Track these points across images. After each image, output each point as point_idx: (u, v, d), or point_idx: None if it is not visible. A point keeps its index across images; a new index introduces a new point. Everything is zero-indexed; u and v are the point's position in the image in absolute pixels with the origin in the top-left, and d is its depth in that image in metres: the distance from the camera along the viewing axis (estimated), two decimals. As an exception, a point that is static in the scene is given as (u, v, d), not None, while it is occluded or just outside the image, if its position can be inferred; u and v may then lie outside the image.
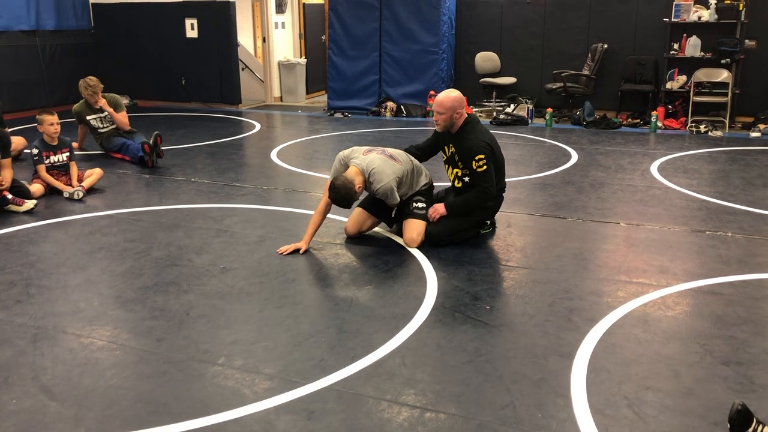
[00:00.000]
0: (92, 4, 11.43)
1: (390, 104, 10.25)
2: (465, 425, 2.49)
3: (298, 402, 2.64)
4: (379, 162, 4.31)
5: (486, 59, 10.34)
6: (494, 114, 9.56)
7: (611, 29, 9.69)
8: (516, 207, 5.30)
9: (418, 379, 2.80)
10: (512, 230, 4.76)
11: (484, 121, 9.61)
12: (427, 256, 4.19)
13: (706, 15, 8.92)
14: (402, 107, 10.20)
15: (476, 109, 10.24)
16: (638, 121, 9.20)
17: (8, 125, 7.60)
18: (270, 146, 7.86)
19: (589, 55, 9.77)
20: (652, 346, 3.08)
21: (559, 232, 4.73)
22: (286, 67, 12.07)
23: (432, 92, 10.02)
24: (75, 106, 7.19)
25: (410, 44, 10.13)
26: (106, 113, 7.06)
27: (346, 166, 4.40)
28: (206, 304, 3.52)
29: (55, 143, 5.83)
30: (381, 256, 4.25)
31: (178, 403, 2.64)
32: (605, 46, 9.60)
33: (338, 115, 10.37)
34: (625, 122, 9.23)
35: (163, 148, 7.01)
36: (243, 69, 12.07)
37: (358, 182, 4.22)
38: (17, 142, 6.94)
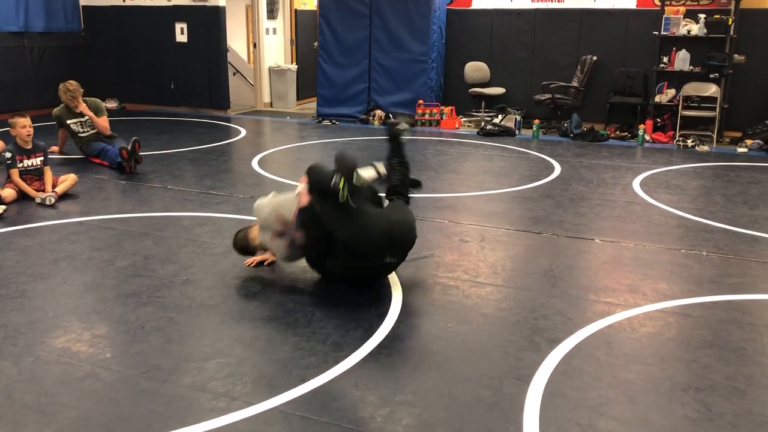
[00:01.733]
0: (82, 6, 11.38)
1: (378, 112, 10.20)
2: (410, 451, 2.42)
3: (242, 423, 2.57)
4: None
5: (475, 69, 10.30)
6: (482, 125, 9.51)
7: (601, 41, 9.66)
8: (492, 221, 5.24)
9: (368, 401, 2.74)
10: (485, 245, 4.70)
11: (472, 131, 9.57)
12: (395, 271, 4.12)
13: (696, 29, 8.89)
14: (390, 116, 10.14)
15: (464, 119, 10.20)
16: (626, 134, 9.16)
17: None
18: (253, 153, 7.80)
19: (579, 67, 9.73)
20: (611, 369, 3.02)
21: (532, 247, 4.67)
22: (276, 72, 12.03)
23: (421, 101, 9.98)
24: (55, 110, 7.13)
25: (400, 53, 10.09)
26: (86, 117, 7.00)
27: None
28: (163, 317, 3.46)
29: (29, 147, 5.76)
30: (349, 270, 4.19)
31: (119, 422, 2.57)
32: (594, 58, 9.56)
33: (326, 122, 10.32)
34: (612, 135, 9.19)
35: (144, 153, 6.96)
36: (234, 74, 12.03)
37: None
38: (-4, 145, 6.89)
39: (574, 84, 9.64)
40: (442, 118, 9.90)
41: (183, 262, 4.26)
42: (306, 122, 10.45)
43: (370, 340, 3.25)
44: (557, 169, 7.11)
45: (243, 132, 9.32)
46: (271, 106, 12.11)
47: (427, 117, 9.95)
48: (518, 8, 10.14)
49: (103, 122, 7.08)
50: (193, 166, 7.09)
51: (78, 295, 3.76)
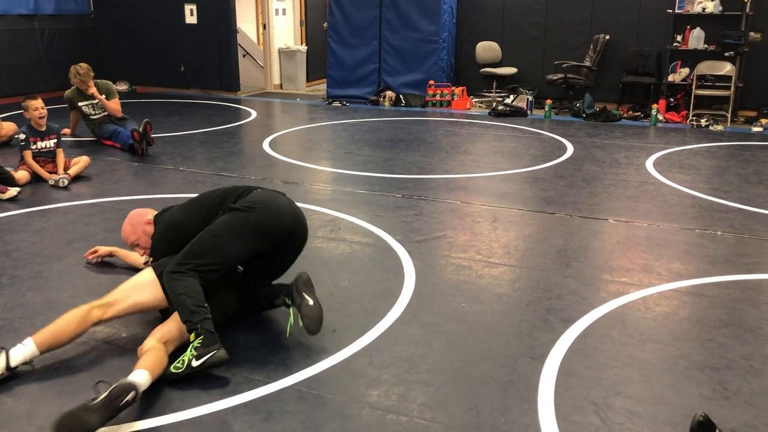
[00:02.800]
0: (92, -12, 11.37)
1: (389, 93, 10.15)
2: (425, 429, 2.43)
3: (257, 402, 2.58)
4: None
5: (487, 49, 10.21)
6: (493, 105, 9.45)
7: (614, 20, 9.54)
8: (504, 201, 5.22)
9: (383, 380, 2.75)
10: (498, 225, 4.69)
11: (483, 111, 9.52)
12: (408, 252, 4.12)
13: (711, 6, 8.76)
14: (401, 97, 10.10)
15: (475, 100, 10.13)
16: (639, 114, 9.08)
17: (4, 110, 7.55)
18: (264, 135, 7.80)
19: (591, 46, 9.63)
20: (626, 349, 3.01)
21: (545, 228, 4.65)
22: (286, 54, 11.98)
23: (431, 81, 9.92)
24: (67, 92, 7.13)
25: (410, 33, 10.02)
26: (97, 100, 7.00)
27: None
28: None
29: (43, 129, 5.78)
30: (362, 250, 4.19)
31: (144, 400, 2.59)
32: (607, 37, 9.45)
33: (336, 103, 10.29)
34: (625, 115, 9.10)
35: (155, 135, 6.97)
36: (244, 56, 11.99)
37: None
38: (8, 127, 6.92)
39: (587, 63, 9.54)
40: (453, 99, 9.84)
41: (196, 243, 4.27)
42: (316, 104, 10.42)
43: (384, 319, 3.25)
44: (570, 150, 7.06)
45: (253, 114, 9.30)
46: (281, 88, 12.08)
47: (438, 98, 9.89)
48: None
49: (114, 104, 7.08)
50: (205, 148, 7.09)
51: (93, 276, 3.79)
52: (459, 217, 4.88)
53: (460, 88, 9.98)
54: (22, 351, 2.72)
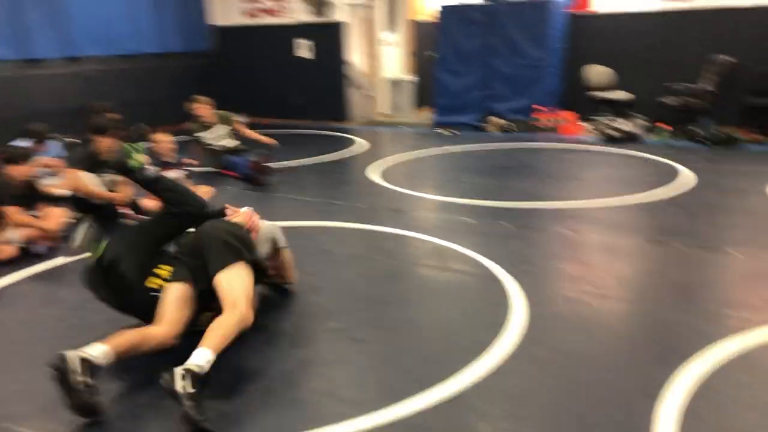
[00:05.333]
0: (214, 26, 12.10)
1: (496, 120, 10.11)
2: (535, 466, 2.40)
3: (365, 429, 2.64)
4: None
5: (598, 73, 9.97)
6: (605, 130, 9.20)
7: (735, 41, 9.06)
8: (618, 231, 5.06)
9: (492, 415, 2.73)
10: (611, 256, 4.55)
11: (594, 137, 9.28)
12: (518, 283, 4.07)
13: None
14: (509, 123, 10.04)
15: (586, 125, 9.89)
16: (764, 138, 8.54)
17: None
18: (372, 163, 7.96)
19: (710, 68, 9.19)
20: (753, 391, 2.84)
21: (662, 259, 4.47)
22: (395, 84, 12.23)
23: (539, 107, 9.80)
24: (189, 123, 7.61)
25: (517, 59, 9.97)
26: (220, 131, 7.43)
27: None
28: (289, 323, 3.61)
29: (171, 161, 6.20)
30: (470, 280, 4.19)
31: (253, 424, 2.71)
32: (728, 58, 8.99)
33: (443, 131, 10.36)
34: (748, 139, 8.59)
35: (269, 165, 7.29)
36: (353, 86, 12.34)
37: None
38: (139, 159, 7.46)
39: (706, 86, 9.11)
40: (562, 124, 9.67)
41: (308, 269, 4.42)
42: (423, 132, 10.54)
43: (492, 351, 3.23)
44: (688, 177, 6.75)
45: (362, 143, 9.53)
46: (389, 117, 12.31)
47: (546, 123, 9.75)
48: (644, 10, 9.73)
49: (245, 131, 7.55)
50: (316, 177, 7.35)
51: (214, 301, 4.00)
52: (570, 247, 4.78)
53: (570, 113, 9.79)
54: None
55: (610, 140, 8.89)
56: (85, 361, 2.67)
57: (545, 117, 9.77)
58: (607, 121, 9.67)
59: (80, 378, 2.63)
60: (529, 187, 6.60)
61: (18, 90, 9.30)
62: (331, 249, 4.83)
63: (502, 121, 10.05)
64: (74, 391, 2.63)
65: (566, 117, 9.70)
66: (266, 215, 5.67)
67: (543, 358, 3.18)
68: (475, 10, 10.20)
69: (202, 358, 2.71)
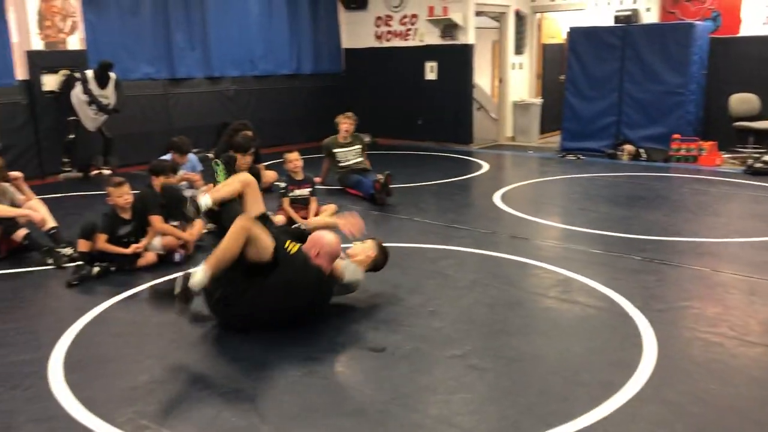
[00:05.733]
0: (344, 49, 12.48)
1: (628, 147, 9.71)
2: None
3: (486, 463, 2.57)
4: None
5: (742, 101, 9.35)
6: (749, 162, 8.58)
7: None
8: (763, 271, 4.67)
9: (619, 459, 2.58)
10: (755, 299, 4.20)
11: (737, 169, 8.69)
12: (649, 321, 3.85)
13: None
14: (641, 151, 9.61)
15: (727, 156, 9.29)
16: None
17: (264, 160, 8.52)
18: (495, 188, 7.86)
19: None
20: None
21: (816, 306, 4.07)
22: (521, 107, 12.06)
23: (677, 135, 9.31)
24: (326, 139, 7.86)
25: (654, 85, 9.53)
26: (353, 149, 7.65)
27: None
28: (411, 346, 3.60)
29: (300, 178, 6.42)
30: (597, 315, 4.01)
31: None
32: None
33: (570, 156, 10.08)
34: None
35: (393, 186, 7.37)
36: (478, 109, 12.30)
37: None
38: (270, 175, 7.77)
39: None
40: (701, 154, 9.12)
41: (428, 293, 4.41)
42: (549, 156, 10.31)
43: (620, 392, 3.06)
44: None
45: (485, 166, 9.45)
46: (514, 140, 12.15)
47: (683, 152, 9.24)
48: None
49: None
50: (437, 199, 7.35)
51: (335, 318, 4.06)
52: (708, 286, 4.47)
53: (710, 142, 9.22)
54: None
55: (755, 173, 8.28)
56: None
57: (683, 146, 9.26)
58: (752, 153, 9.03)
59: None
60: (663, 219, 6.25)
61: (165, 107, 10.02)
62: (452, 273, 4.79)
63: (634, 149, 9.63)
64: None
65: (706, 146, 9.14)
66: (386, 236, 5.75)
67: (675, 402, 2.98)
68: (608, 33, 9.88)
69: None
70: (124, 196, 4.96)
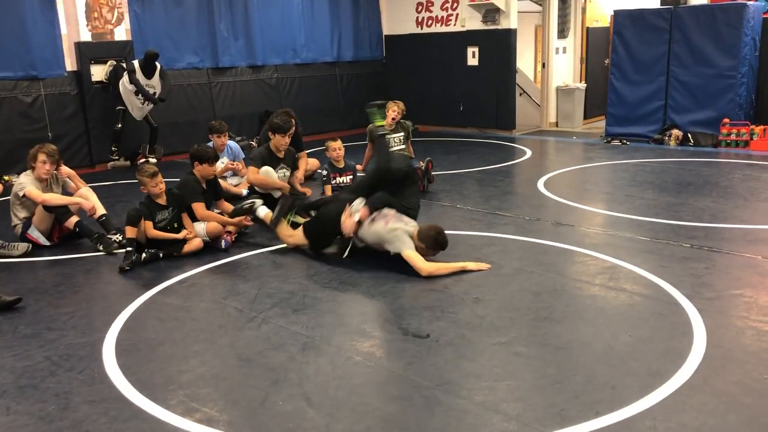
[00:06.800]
0: (385, 36, 12.44)
1: (675, 132, 9.49)
2: None
3: (532, 451, 2.56)
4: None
5: (797, 83, 9.04)
6: (803, 146, 8.31)
7: None
8: (819, 260, 4.53)
9: (669, 448, 2.55)
10: (811, 288, 4.08)
11: (790, 153, 8.41)
12: (698, 309, 3.77)
13: None
14: (689, 136, 9.38)
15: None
16: None
17: (309, 147, 8.57)
18: (538, 174, 7.77)
19: None
20: None
21: None
22: (564, 92, 11.87)
23: (726, 119, 9.05)
24: (371, 125, 7.84)
25: (703, 68, 9.28)
26: (397, 137, 7.61)
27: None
28: (455, 333, 3.60)
29: (341, 166, 6.45)
30: (644, 303, 3.95)
31: (418, 430, 2.73)
32: None
33: (615, 142, 9.89)
34: None
35: (435, 172, 7.35)
36: (521, 94, 12.15)
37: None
38: (312, 163, 7.82)
39: None
40: (752, 139, 8.86)
41: (473, 280, 4.40)
42: (593, 142, 10.14)
43: (669, 381, 3.01)
44: None
45: (528, 152, 9.35)
46: (557, 126, 11.98)
47: (733, 137, 8.99)
48: None
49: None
50: (480, 186, 7.30)
51: (378, 304, 4.09)
52: (760, 274, 4.35)
53: (762, 127, 8.95)
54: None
55: (810, 157, 8.01)
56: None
57: (733, 130, 9.00)
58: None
59: None
60: (712, 205, 6.11)
61: (209, 95, 10.15)
62: (496, 261, 4.76)
63: (681, 134, 9.41)
64: None
65: (757, 131, 8.88)
66: (429, 223, 5.73)
67: (726, 392, 2.92)
68: (655, 15, 9.64)
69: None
70: (158, 185, 5.05)
